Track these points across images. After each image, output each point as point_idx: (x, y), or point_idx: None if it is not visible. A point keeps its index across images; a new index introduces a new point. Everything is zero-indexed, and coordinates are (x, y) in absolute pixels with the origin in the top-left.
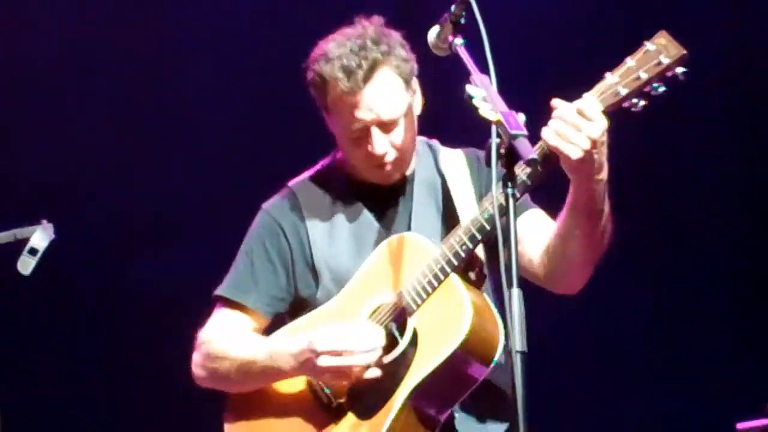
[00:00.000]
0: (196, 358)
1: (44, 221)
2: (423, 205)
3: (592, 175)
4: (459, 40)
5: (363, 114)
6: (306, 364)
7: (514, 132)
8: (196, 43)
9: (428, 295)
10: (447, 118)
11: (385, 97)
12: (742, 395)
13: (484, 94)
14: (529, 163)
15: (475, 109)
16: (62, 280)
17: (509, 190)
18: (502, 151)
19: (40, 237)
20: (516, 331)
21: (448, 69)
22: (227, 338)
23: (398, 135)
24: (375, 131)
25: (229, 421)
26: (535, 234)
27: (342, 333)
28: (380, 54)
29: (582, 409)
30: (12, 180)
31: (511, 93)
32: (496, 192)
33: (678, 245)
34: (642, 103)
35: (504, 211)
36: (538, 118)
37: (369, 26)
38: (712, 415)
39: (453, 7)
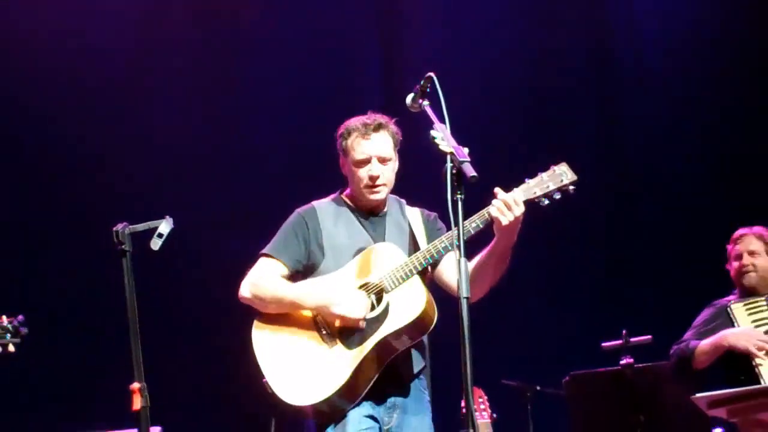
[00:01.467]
0: (247, 285)
1: (167, 216)
2: (393, 228)
3: (511, 236)
4: (425, 102)
5: (369, 149)
6: (322, 308)
7: (461, 159)
8: (267, 87)
9: (400, 283)
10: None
11: (383, 144)
12: (606, 322)
13: (442, 135)
14: (471, 179)
15: (437, 144)
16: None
17: (458, 197)
18: (454, 171)
19: (165, 226)
20: (462, 283)
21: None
22: (272, 278)
23: (386, 170)
24: (374, 160)
25: (257, 327)
26: (453, 268)
27: (350, 296)
28: (383, 123)
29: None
30: (140, 187)
31: (460, 135)
32: (454, 222)
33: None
34: (546, 201)
35: (455, 212)
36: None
37: (378, 114)
38: (584, 337)
39: (422, 81)
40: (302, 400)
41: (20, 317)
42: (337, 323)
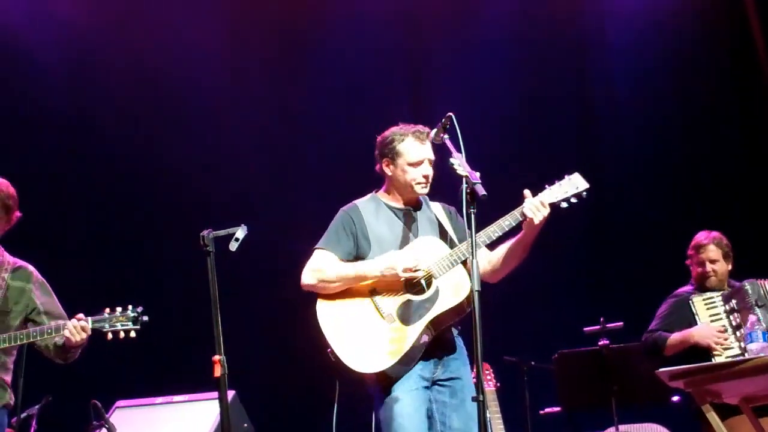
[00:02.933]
0: (309, 273)
1: (242, 225)
2: (425, 222)
3: (536, 231)
4: (446, 136)
5: (425, 152)
6: (387, 269)
7: (474, 181)
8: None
9: (446, 271)
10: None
11: (431, 149)
12: (587, 311)
13: (458, 162)
14: (482, 197)
15: (455, 169)
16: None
17: (471, 210)
18: (469, 191)
19: (241, 232)
20: (474, 279)
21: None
22: (332, 263)
23: (431, 170)
24: (426, 162)
25: (321, 307)
26: (485, 256)
27: (408, 254)
28: (428, 132)
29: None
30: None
31: (472, 162)
32: (474, 233)
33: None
34: (565, 205)
35: (469, 223)
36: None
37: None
38: (569, 322)
39: (443, 119)
40: (367, 368)
41: (140, 308)
42: (398, 279)
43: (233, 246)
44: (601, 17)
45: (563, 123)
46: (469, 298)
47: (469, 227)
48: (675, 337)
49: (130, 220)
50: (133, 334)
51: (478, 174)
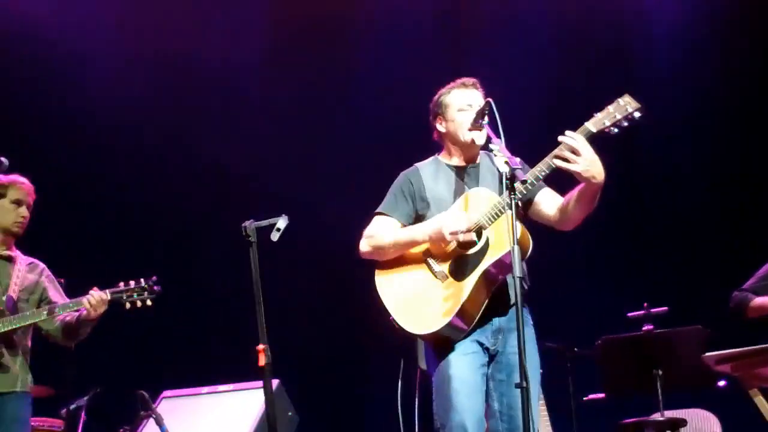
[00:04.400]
0: (366, 241)
1: (283, 215)
2: (487, 175)
3: (592, 182)
4: (485, 121)
5: (470, 98)
6: (433, 232)
7: (514, 167)
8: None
9: (495, 219)
10: None
11: (479, 96)
12: (631, 295)
13: (499, 148)
14: (523, 182)
15: (495, 155)
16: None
17: (513, 197)
18: (509, 176)
19: (282, 222)
20: (516, 264)
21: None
22: (386, 229)
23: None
24: (475, 107)
25: (379, 276)
26: (549, 200)
27: (453, 214)
28: (476, 81)
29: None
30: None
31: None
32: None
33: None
34: (615, 130)
35: (511, 208)
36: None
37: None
38: (613, 308)
39: (482, 105)
40: (424, 329)
41: (154, 277)
42: (447, 243)
43: (275, 236)
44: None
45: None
46: (522, 242)
47: (511, 211)
48: (760, 300)
49: (173, 213)
50: (149, 302)
51: (518, 160)
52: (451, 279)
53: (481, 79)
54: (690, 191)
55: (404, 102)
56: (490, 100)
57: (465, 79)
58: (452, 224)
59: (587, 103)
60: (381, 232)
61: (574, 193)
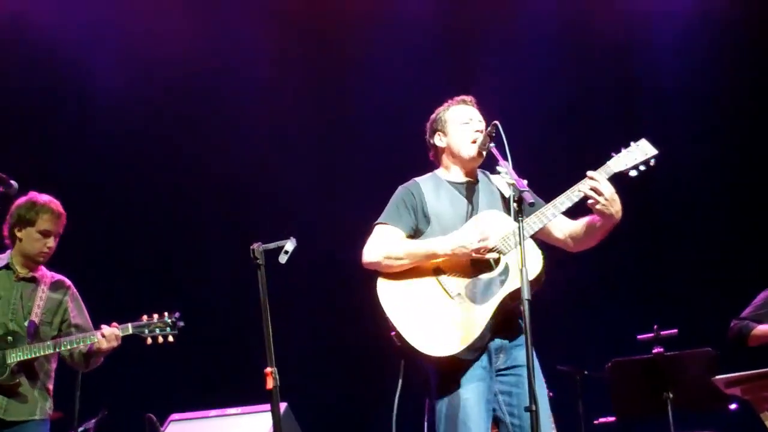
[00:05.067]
0: (373, 250)
1: (292, 237)
2: (485, 195)
3: (610, 215)
4: (492, 144)
5: (471, 113)
6: (457, 247)
7: (521, 188)
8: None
9: (514, 246)
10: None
11: (478, 113)
12: (641, 319)
13: (506, 170)
14: (531, 204)
15: (502, 177)
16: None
17: (520, 219)
18: (516, 198)
19: (290, 245)
20: (525, 288)
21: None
22: (397, 239)
23: (483, 126)
24: (475, 121)
25: (382, 288)
26: (559, 224)
27: (478, 232)
28: (473, 99)
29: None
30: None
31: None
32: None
33: None
34: (634, 173)
35: (519, 231)
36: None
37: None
38: (622, 330)
39: (489, 127)
40: (438, 351)
41: (177, 313)
42: (468, 259)
43: (283, 258)
44: (649, 15)
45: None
46: (538, 277)
47: (520, 234)
48: (762, 328)
49: (180, 234)
50: (171, 338)
51: (525, 182)
52: (468, 301)
53: (485, 90)
54: (700, 213)
55: (411, 116)
56: (497, 122)
57: (463, 96)
58: (476, 241)
59: (592, 118)
60: (393, 241)
61: (587, 222)
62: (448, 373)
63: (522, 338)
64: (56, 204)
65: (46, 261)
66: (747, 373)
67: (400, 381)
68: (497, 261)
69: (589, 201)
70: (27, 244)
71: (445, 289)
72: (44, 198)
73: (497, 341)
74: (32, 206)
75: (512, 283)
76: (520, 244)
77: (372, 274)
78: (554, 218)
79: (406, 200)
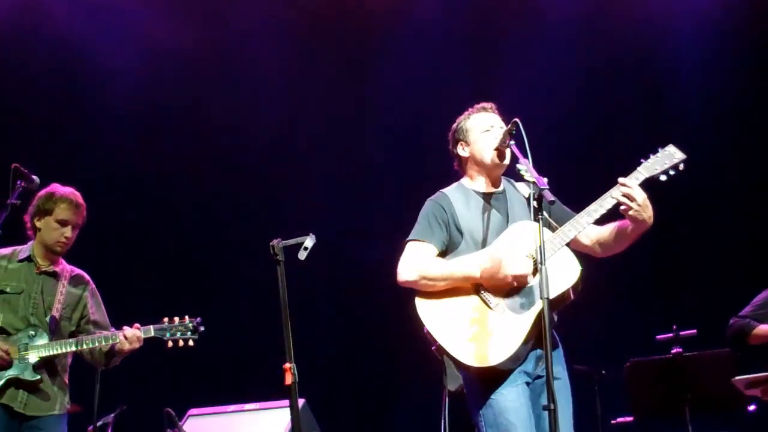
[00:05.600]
0: (408, 269)
1: (311, 234)
2: (515, 203)
3: (642, 221)
4: (512, 142)
5: (492, 120)
6: (495, 274)
7: (542, 187)
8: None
9: (551, 255)
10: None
11: (499, 119)
12: (660, 319)
13: (526, 168)
14: (551, 203)
15: (522, 175)
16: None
17: (540, 216)
18: (536, 196)
19: (309, 241)
20: (544, 286)
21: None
22: (433, 258)
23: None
24: (497, 128)
25: (421, 303)
26: (590, 233)
27: (516, 258)
28: (494, 106)
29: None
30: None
31: (541, 167)
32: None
33: None
34: (664, 177)
35: (539, 228)
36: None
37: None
38: (641, 330)
39: (509, 125)
40: (481, 362)
41: (198, 319)
42: (508, 284)
43: (302, 255)
44: (669, 15)
45: (631, 122)
46: (575, 285)
47: (540, 232)
48: (764, 328)
49: (200, 230)
50: (191, 342)
51: (545, 180)
52: (508, 311)
53: (504, 97)
54: (719, 213)
55: (431, 115)
56: (517, 120)
57: (483, 104)
58: (514, 266)
59: (613, 120)
60: (429, 261)
61: (616, 227)
62: (491, 381)
63: (560, 350)
64: (76, 195)
65: (64, 252)
66: (767, 374)
67: (445, 415)
68: (534, 270)
69: (622, 207)
70: (45, 233)
71: (484, 301)
72: (64, 189)
73: (538, 350)
74: (51, 196)
75: (553, 291)
76: (539, 241)
77: (407, 290)
78: (588, 226)
79: (437, 214)
